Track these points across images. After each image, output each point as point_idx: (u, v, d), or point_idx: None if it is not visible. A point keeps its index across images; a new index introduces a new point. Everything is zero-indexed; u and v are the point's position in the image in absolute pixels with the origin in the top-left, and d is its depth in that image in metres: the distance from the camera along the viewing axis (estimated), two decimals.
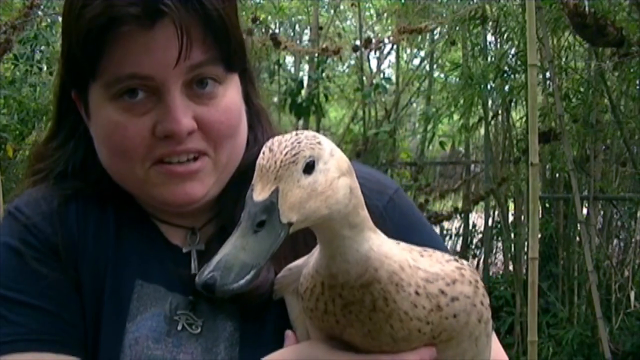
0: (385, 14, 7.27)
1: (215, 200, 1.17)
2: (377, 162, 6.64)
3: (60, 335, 1.08)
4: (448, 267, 0.96)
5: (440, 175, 7.74)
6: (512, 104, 5.65)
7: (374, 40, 5.62)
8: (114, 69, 1.04)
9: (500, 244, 6.72)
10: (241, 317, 1.12)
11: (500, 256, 6.94)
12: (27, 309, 1.07)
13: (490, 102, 5.75)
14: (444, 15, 5.65)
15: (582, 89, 4.89)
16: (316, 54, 6.27)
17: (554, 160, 5.24)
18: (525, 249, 5.50)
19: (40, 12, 4.55)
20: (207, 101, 1.09)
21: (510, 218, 6.19)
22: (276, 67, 7.14)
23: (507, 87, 5.20)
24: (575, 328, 4.93)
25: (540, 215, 5.29)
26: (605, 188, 5.10)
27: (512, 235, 6.00)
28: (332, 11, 7.56)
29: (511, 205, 6.21)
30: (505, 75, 5.11)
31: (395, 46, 6.91)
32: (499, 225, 6.37)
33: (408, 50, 7.51)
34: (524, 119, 5.49)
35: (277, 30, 7.57)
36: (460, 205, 6.54)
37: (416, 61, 7.53)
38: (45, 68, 5.28)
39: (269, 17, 7.17)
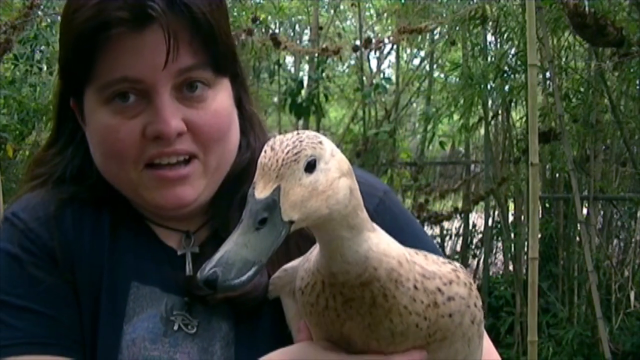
0: (385, 14, 7.26)
1: (208, 204, 1.19)
2: (377, 162, 6.64)
3: (58, 338, 1.10)
4: (444, 268, 0.98)
5: (440, 175, 7.73)
6: (512, 104, 5.65)
7: (374, 40, 5.62)
8: (106, 72, 1.07)
9: (500, 244, 6.72)
10: (236, 317, 1.14)
11: (500, 256, 6.94)
12: (26, 314, 1.09)
13: (490, 102, 5.75)
14: (444, 15, 5.65)
15: (582, 89, 4.89)
16: (316, 54, 6.26)
17: (554, 160, 5.24)
18: (525, 249, 5.50)
19: (40, 12, 4.55)
20: (197, 104, 1.11)
21: (510, 218, 6.19)
22: (276, 67, 7.13)
23: (507, 87, 5.19)
24: (575, 328, 4.93)
25: (540, 215, 5.29)
26: (605, 188, 5.10)
27: (512, 235, 6.00)
28: (332, 11, 7.56)
29: (511, 205, 6.22)
30: (505, 75, 5.11)
31: (395, 46, 6.91)
32: (499, 225, 6.36)
33: (408, 50, 7.50)
34: (524, 119, 5.49)
35: (277, 30, 7.56)
36: (460, 205, 6.55)
37: (416, 61, 7.54)
38: (45, 68, 5.28)
39: (269, 17, 7.16)
